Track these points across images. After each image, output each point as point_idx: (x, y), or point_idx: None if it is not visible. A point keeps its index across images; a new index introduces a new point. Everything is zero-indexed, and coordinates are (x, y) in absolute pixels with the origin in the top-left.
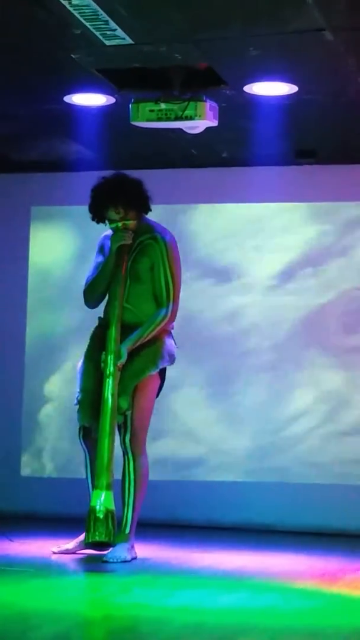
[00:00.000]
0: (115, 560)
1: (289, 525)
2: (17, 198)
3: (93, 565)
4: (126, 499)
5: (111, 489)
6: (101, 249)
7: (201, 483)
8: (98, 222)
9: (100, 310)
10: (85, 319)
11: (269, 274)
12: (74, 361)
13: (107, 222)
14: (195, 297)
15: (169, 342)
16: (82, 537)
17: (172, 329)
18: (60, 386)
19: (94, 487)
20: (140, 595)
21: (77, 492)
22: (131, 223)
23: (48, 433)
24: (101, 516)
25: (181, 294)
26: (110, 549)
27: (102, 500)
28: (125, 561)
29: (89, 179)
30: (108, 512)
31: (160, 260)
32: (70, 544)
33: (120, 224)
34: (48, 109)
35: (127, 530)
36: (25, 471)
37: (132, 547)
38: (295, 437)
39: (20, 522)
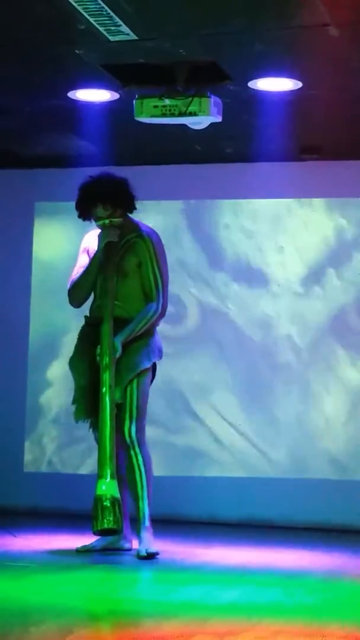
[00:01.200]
0: (148, 554)
1: (292, 521)
2: (21, 193)
3: (96, 560)
4: (139, 492)
5: (115, 477)
6: (85, 250)
7: (203, 479)
8: (84, 220)
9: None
10: (87, 312)
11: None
12: None
13: (93, 219)
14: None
15: (157, 337)
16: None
17: (158, 324)
18: (64, 382)
19: (98, 476)
20: (144, 591)
21: (79, 487)
22: (118, 221)
23: (51, 429)
24: (108, 504)
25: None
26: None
27: (107, 488)
28: (157, 553)
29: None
30: (114, 500)
31: (147, 258)
32: (93, 541)
33: (107, 221)
34: (52, 105)
35: (147, 523)
36: (28, 467)
37: (153, 540)
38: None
39: (23, 518)
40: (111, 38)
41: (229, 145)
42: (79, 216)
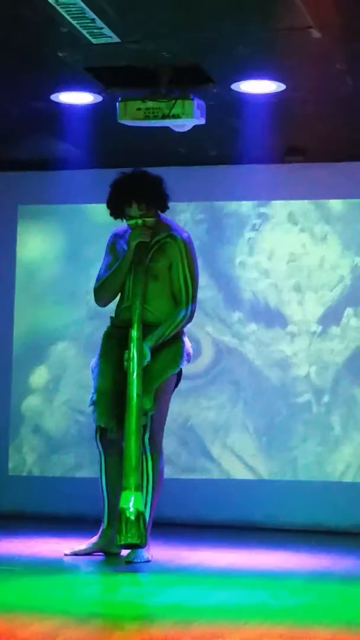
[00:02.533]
0: (139, 561)
1: (278, 522)
2: (4, 196)
3: (80, 563)
4: (144, 498)
5: (140, 489)
6: (112, 248)
7: (189, 481)
8: (116, 218)
9: (109, 310)
10: (72, 316)
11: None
12: (62, 359)
13: (125, 218)
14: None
15: (187, 342)
16: (94, 538)
17: (186, 327)
18: (48, 385)
19: (122, 487)
20: (129, 594)
21: (65, 490)
22: (151, 221)
23: (35, 432)
24: (132, 517)
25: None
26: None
27: (132, 502)
28: (147, 561)
29: (77, 177)
30: (139, 514)
31: (179, 260)
32: (83, 545)
33: (140, 221)
34: (35, 108)
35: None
36: (13, 470)
37: (149, 546)
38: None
39: (7, 521)
40: (94, 41)
41: (212, 147)
42: (111, 214)
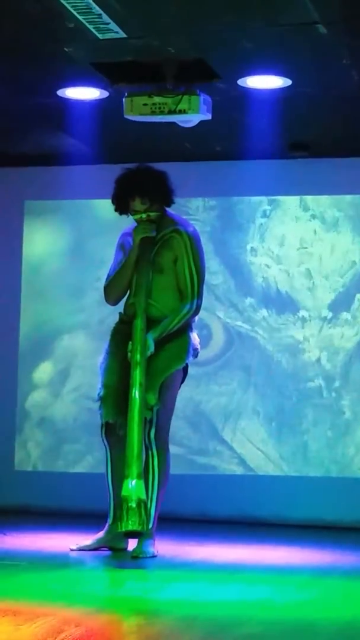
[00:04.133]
0: (144, 556)
1: (283, 518)
2: (10, 192)
3: (86, 559)
4: (150, 494)
5: (142, 478)
6: (121, 247)
7: (195, 476)
8: (121, 214)
9: (119, 307)
10: (78, 312)
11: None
12: (68, 354)
13: (130, 213)
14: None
15: (193, 337)
16: (100, 534)
17: (194, 322)
18: (54, 380)
19: (125, 476)
20: (134, 589)
21: (70, 486)
22: (155, 215)
23: (42, 427)
24: (134, 505)
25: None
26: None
27: (134, 489)
28: (153, 556)
29: (83, 173)
30: (140, 501)
31: (184, 254)
32: (89, 541)
33: (144, 215)
34: (41, 103)
35: (150, 525)
36: (19, 465)
37: (154, 542)
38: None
39: (13, 516)
40: (100, 36)
41: (218, 143)
42: (116, 210)
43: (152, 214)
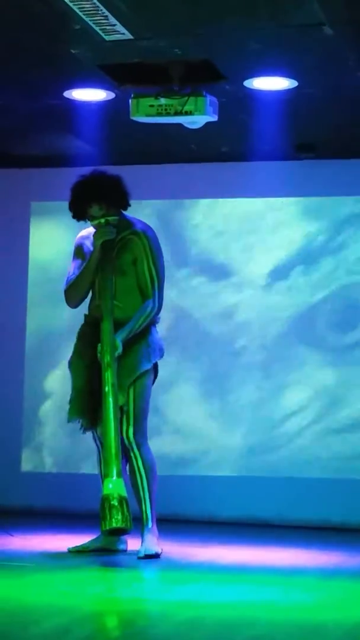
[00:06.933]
0: (149, 553)
1: (288, 519)
2: (17, 193)
3: (92, 560)
4: (141, 495)
5: (121, 476)
6: (79, 250)
7: (200, 478)
8: (79, 220)
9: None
10: (84, 313)
11: (262, 272)
12: None
13: (87, 219)
14: (188, 294)
15: (157, 336)
16: (97, 536)
17: (158, 321)
18: (60, 381)
19: (104, 475)
20: (140, 590)
21: (77, 487)
22: (114, 219)
23: (48, 428)
24: (115, 503)
25: (175, 291)
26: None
27: (114, 487)
28: (157, 555)
29: None
30: (122, 499)
31: (143, 254)
32: (87, 542)
33: (103, 221)
34: (48, 104)
35: (150, 524)
36: (25, 467)
37: (157, 540)
38: (290, 434)
39: (20, 517)
40: (107, 38)
41: (224, 144)
42: (73, 217)
43: (110, 218)
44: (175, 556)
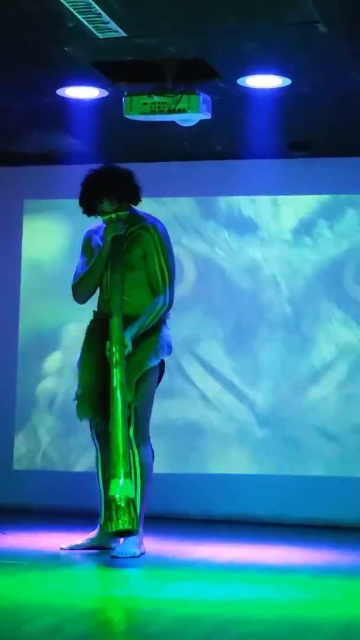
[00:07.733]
0: (124, 556)
1: (283, 517)
2: (9, 191)
3: (86, 558)
4: (134, 492)
5: (129, 477)
6: (87, 245)
7: (195, 476)
8: (89, 215)
9: (92, 304)
10: (77, 311)
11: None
12: (67, 354)
13: (98, 214)
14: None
15: (166, 333)
16: (92, 534)
17: (168, 317)
18: (53, 379)
19: (111, 475)
20: (134, 588)
21: (70, 485)
22: (124, 214)
23: (41, 426)
24: (123, 504)
25: None
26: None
27: (121, 489)
28: (134, 556)
29: (82, 172)
30: (129, 500)
31: (153, 250)
32: (80, 540)
33: (114, 216)
34: (41, 102)
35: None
36: (18, 464)
37: (141, 541)
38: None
39: (13, 515)
40: (100, 35)
41: (218, 142)
42: (84, 212)
43: (121, 213)
44: (169, 554)
